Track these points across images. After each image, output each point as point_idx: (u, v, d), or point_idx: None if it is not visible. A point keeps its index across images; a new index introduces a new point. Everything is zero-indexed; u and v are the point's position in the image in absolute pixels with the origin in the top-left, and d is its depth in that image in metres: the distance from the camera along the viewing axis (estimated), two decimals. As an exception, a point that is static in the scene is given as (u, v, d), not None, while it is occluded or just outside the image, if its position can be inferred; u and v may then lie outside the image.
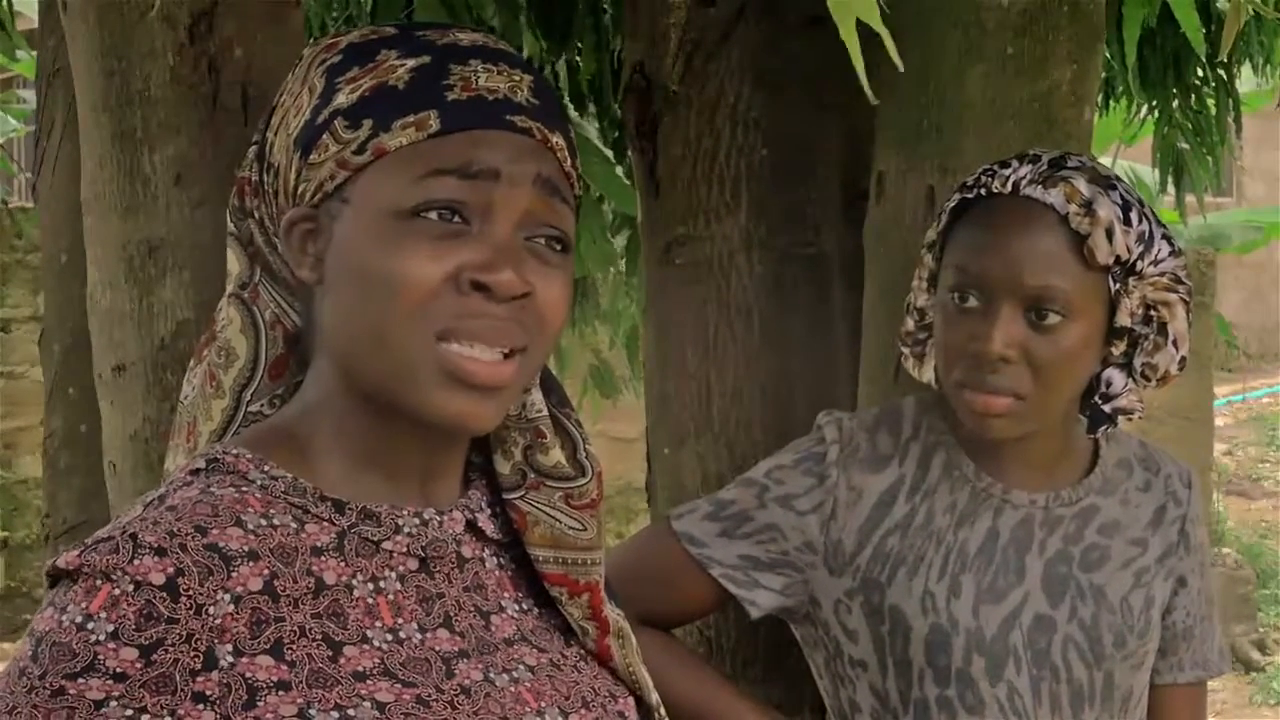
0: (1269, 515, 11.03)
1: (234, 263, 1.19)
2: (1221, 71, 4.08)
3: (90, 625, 1.00)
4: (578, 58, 3.54)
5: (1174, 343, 1.74)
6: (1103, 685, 1.77)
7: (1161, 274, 1.71)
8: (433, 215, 1.07)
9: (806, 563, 1.81)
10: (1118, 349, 1.73)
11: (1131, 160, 9.20)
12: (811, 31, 2.37)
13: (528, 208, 1.10)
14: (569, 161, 1.14)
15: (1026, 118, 2.13)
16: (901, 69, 1.16)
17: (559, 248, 1.12)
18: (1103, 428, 1.80)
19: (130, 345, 2.00)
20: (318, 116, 1.11)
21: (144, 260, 2.00)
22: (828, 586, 1.80)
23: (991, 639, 1.74)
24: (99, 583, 1.01)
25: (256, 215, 1.17)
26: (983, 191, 1.71)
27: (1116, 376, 1.76)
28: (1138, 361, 1.76)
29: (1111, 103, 4.46)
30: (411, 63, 1.10)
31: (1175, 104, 4.16)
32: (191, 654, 1.01)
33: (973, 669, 1.74)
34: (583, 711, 1.16)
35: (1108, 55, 3.42)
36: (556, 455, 1.21)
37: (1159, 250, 1.70)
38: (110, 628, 1.00)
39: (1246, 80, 4.83)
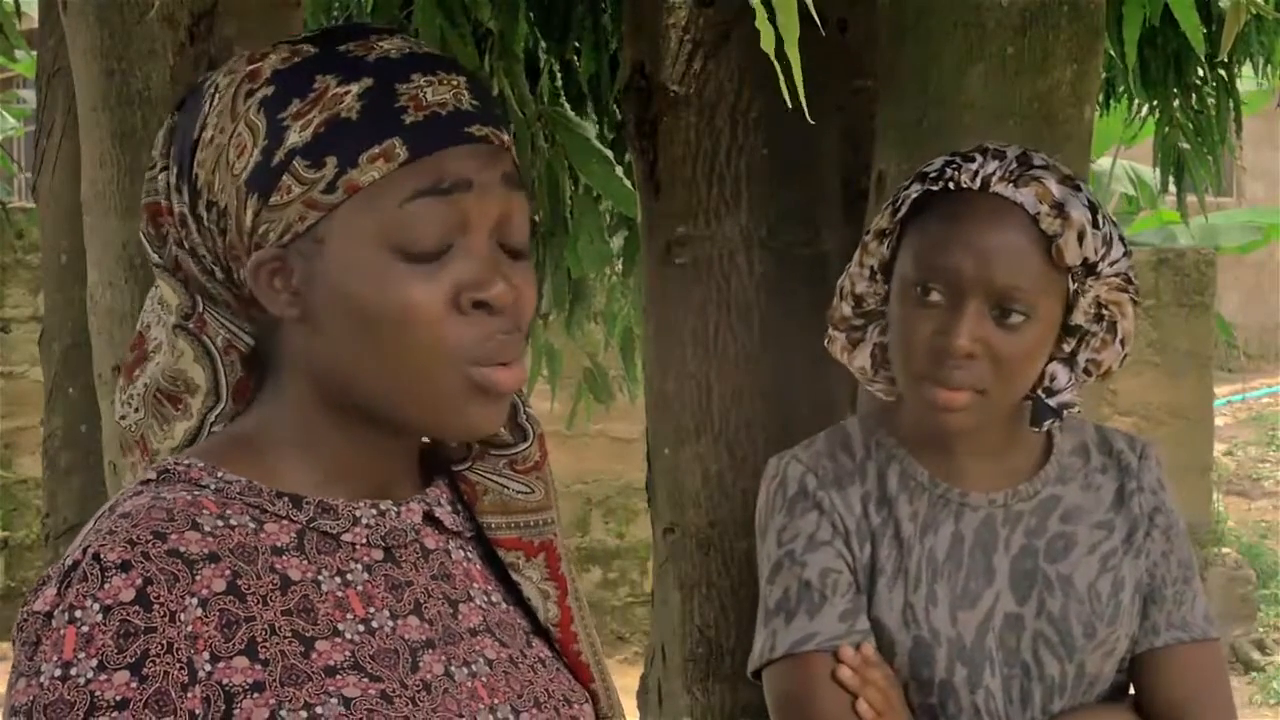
0: (1269, 515, 11.02)
1: (170, 294, 1.18)
2: (1221, 71, 4.09)
3: (74, 671, 1.00)
4: (576, 57, 3.53)
5: (1121, 341, 1.77)
6: (1074, 676, 1.77)
7: (1116, 274, 1.73)
8: (420, 245, 1.09)
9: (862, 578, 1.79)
10: (1068, 346, 1.75)
11: (1131, 160, 9.21)
12: (811, 32, 2.37)
13: (500, 212, 1.12)
14: (514, 150, 1.17)
15: (1026, 117, 2.14)
16: (804, 103, 1.15)
17: (520, 250, 1.15)
18: (1048, 422, 1.80)
19: (130, 345, 2.00)
20: (271, 158, 1.10)
21: (144, 260, 2.00)
22: None
23: (971, 646, 1.75)
24: (62, 631, 1.00)
25: (186, 245, 1.16)
26: (950, 185, 1.70)
27: (1061, 371, 1.77)
28: (1082, 358, 1.77)
29: (1111, 103, 4.46)
30: (355, 88, 1.10)
31: (1175, 104, 4.16)
32: (178, 666, 1.01)
33: (955, 679, 1.74)
34: (534, 711, 1.17)
35: (1108, 55, 3.41)
36: None
37: (1116, 251, 1.73)
38: (94, 662, 1.00)
39: (1247, 80, 4.83)
